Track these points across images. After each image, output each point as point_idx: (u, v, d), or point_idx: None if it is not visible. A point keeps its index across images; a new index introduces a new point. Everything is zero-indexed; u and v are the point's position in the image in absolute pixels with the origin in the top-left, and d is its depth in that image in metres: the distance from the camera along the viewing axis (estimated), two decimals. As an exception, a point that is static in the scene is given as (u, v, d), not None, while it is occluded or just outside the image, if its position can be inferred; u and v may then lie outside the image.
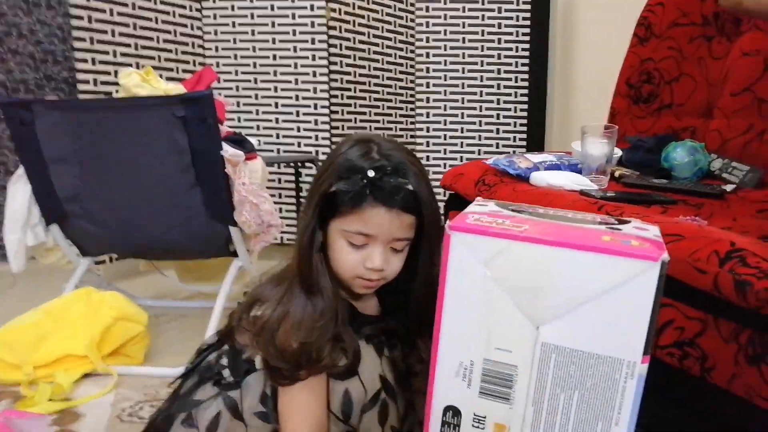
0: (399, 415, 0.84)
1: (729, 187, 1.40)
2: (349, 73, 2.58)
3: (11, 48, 2.50)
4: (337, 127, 2.56)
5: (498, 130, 2.89)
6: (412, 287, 0.84)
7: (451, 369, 0.55)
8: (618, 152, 1.64)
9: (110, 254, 2.14)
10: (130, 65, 2.17)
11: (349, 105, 2.61)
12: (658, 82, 1.85)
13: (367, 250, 0.80)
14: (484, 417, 0.55)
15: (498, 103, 2.87)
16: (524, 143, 2.88)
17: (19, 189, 1.60)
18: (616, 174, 1.57)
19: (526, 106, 2.86)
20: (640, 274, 0.47)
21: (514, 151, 2.82)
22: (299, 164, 2.49)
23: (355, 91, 2.62)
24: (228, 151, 1.50)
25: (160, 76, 1.71)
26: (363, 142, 0.82)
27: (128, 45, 2.20)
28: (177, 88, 1.65)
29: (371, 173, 0.77)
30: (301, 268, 0.81)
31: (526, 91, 2.85)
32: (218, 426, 0.83)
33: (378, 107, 2.73)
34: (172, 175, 1.51)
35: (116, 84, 2.09)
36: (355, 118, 2.64)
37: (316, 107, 2.53)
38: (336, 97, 2.55)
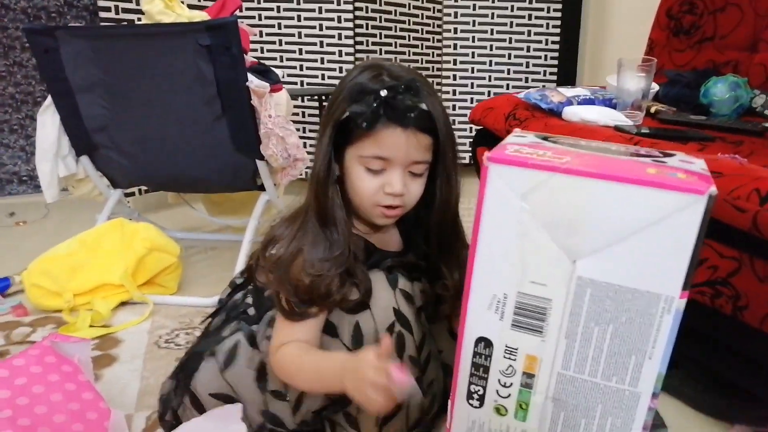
0: (416, 345, 0.84)
1: (771, 125, 1.35)
2: (374, 2, 2.49)
3: (30, -27, 2.45)
4: (361, 59, 2.50)
5: (528, 64, 2.80)
6: (431, 214, 0.84)
7: (483, 301, 0.55)
8: (655, 87, 1.58)
9: (139, 186, 2.16)
10: (151, -8, 2.11)
11: (374, 35, 2.53)
12: (701, 13, 1.76)
13: (385, 175, 0.78)
14: (516, 349, 0.55)
15: (528, 35, 2.76)
16: (554, 78, 2.80)
17: (48, 119, 1.60)
18: (652, 110, 1.52)
19: (557, 39, 2.75)
20: (686, 207, 0.46)
21: (543, 86, 2.74)
22: (323, 97, 2.45)
23: (380, 21, 2.54)
24: (253, 81, 1.47)
25: (182, 2, 1.66)
26: (373, 67, 0.80)
27: (148, -29, 2.14)
28: (201, 15, 1.61)
29: (384, 93, 0.75)
30: (318, 200, 0.80)
31: (558, 23, 2.74)
32: (236, 356, 0.85)
33: (404, 38, 2.65)
34: (197, 106, 1.49)
35: (137, 12, 2.06)
36: (380, 50, 2.57)
37: (340, 37, 2.46)
38: (361, 27, 2.47)
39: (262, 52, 2.53)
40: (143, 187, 2.27)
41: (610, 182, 0.48)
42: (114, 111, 1.56)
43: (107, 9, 2.04)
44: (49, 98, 1.59)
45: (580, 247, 0.50)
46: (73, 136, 1.61)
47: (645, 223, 0.47)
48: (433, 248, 0.86)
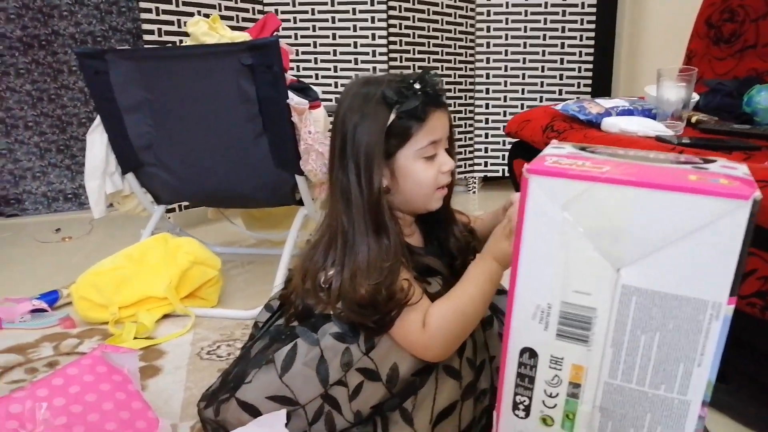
0: (474, 348, 0.87)
1: (819, 133, 1.31)
2: (407, 18, 2.53)
3: (78, 0, 2.56)
4: (396, 72, 2.52)
5: (561, 76, 2.79)
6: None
7: (527, 311, 0.55)
8: (695, 97, 1.56)
9: (182, 202, 2.22)
10: (192, 14, 2.19)
11: (408, 51, 2.56)
12: (742, 20, 1.73)
13: (436, 159, 0.86)
14: (562, 358, 0.55)
15: (562, 47, 2.76)
16: (589, 89, 2.78)
17: (97, 138, 1.67)
18: (693, 119, 1.50)
19: (592, 50, 2.74)
20: (730, 213, 0.46)
21: (578, 98, 2.72)
22: (358, 113, 2.47)
23: (413, 37, 2.57)
24: (293, 99, 1.51)
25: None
26: (369, 81, 0.87)
27: (190, -6, 2.22)
28: (242, 36, 1.66)
29: (418, 85, 0.82)
30: (374, 213, 0.82)
31: (592, 34, 2.72)
32: (294, 359, 0.85)
33: (437, 53, 2.67)
34: (239, 124, 1.53)
35: (180, 34, 2.13)
36: (413, 65, 2.60)
37: (374, 54, 2.50)
38: (394, 43, 2.50)
39: (298, 70, 2.58)
40: (183, 203, 2.32)
41: (651, 190, 0.48)
42: (159, 130, 1.62)
43: (150, 32, 2.12)
44: (98, 118, 1.65)
45: (624, 255, 0.50)
46: (120, 154, 1.66)
47: (689, 230, 0.47)
48: (445, 217, 0.95)
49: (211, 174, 1.63)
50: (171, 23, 2.17)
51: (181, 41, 2.09)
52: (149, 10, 2.10)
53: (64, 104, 2.66)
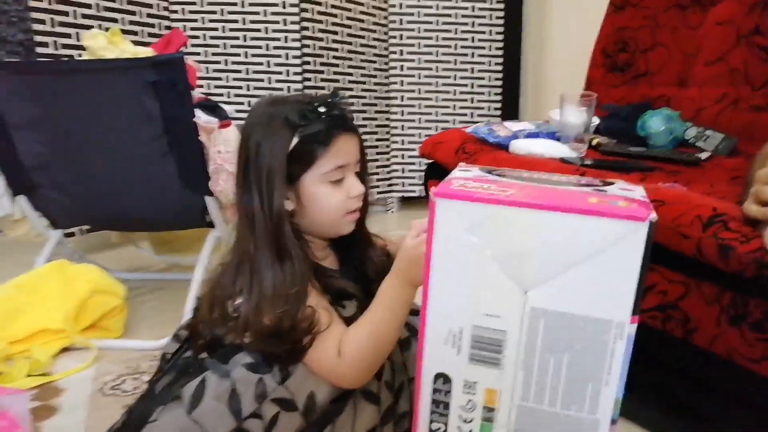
0: (391, 370, 0.87)
1: (704, 155, 1.43)
2: (321, 39, 2.53)
3: (-39, 9, 2.36)
4: (307, 94, 2.51)
5: (473, 99, 2.89)
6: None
7: (440, 337, 0.55)
8: (596, 120, 1.65)
9: (81, 226, 2.08)
10: (92, 27, 2.08)
11: (322, 72, 2.56)
12: (633, 51, 1.87)
13: (344, 183, 0.84)
14: (475, 383, 0.55)
15: (472, 72, 2.86)
16: (499, 112, 2.89)
17: (-19, 158, 1.53)
18: (594, 142, 1.59)
19: (500, 75, 2.86)
20: (629, 234, 0.48)
21: (489, 120, 2.83)
22: (272, 133, 2.44)
23: (327, 58, 2.57)
24: (201, 118, 1.46)
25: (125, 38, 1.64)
26: (276, 101, 0.86)
27: (89, 6, 2.10)
28: (146, 51, 1.59)
29: (323, 108, 0.81)
30: (276, 238, 0.81)
31: (500, 60, 2.85)
32: (203, 393, 0.80)
33: (351, 74, 2.69)
34: (143, 143, 1.45)
35: (78, 48, 2.01)
36: (328, 86, 2.60)
37: (288, 74, 2.48)
38: (308, 63, 2.49)
39: (209, 88, 2.51)
40: (85, 227, 2.18)
41: (553, 213, 0.49)
42: (54, 149, 1.51)
43: (45, 44, 1.98)
44: (-17, 136, 1.52)
45: (531, 277, 0.51)
46: (10, 175, 1.54)
47: (591, 252, 0.49)
48: (359, 239, 0.93)
49: (113, 196, 1.54)
50: (67, 35, 2.04)
51: (79, 54, 1.97)
52: (42, 21, 1.96)
53: (-54, 120, 2.43)
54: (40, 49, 1.98)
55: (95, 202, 1.57)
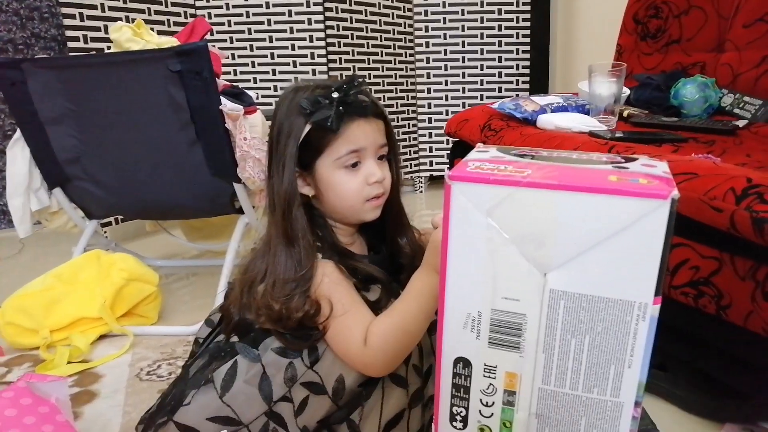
0: (420, 355, 0.86)
1: (741, 123, 1.37)
2: (345, 20, 2.50)
3: (-5, 6, 2.42)
4: (335, 76, 2.50)
5: (500, 74, 2.83)
6: (391, 192, 0.89)
7: (458, 321, 0.54)
8: (626, 91, 1.60)
9: (116, 216, 2.13)
10: (120, 20, 2.10)
11: (347, 53, 2.54)
12: (666, 16, 1.79)
13: (362, 169, 0.83)
14: (495, 366, 0.54)
15: (500, 45, 2.80)
16: (527, 86, 2.83)
17: (18, 152, 1.58)
18: (625, 113, 1.54)
19: (528, 48, 2.79)
20: (650, 213, 0.46)
21: (517, 95, 2.77)
22: (299, 116, 2.44)
23: (352, 38, 2.55)
24: (227, 105, 1.47)
25: (152, 29, 1.65)
26: (299, 88, 0.85)
27: (116, -1, 2.13)
28: (170, 41, 1.60)
29: (336, 94, 0.80)
30: (284, 221, 0.83)
31: (528, 32, 2.77)
32: (236, 374, 0.82)
33: (376, 54, 2.66)
34: (171, 132, 1.48)
35: (107, 41, 2.04)
36: (353, 67, 2.58)
37: (312, 56, 2.47)
38: (333, 45, 2.48)
39: (235, 74, 2.52)
40: (120, 216, 2.24)
41: (571, 193, 0.47)
42: (86, 141, 1.54)
43: (75, 39, 2.02)
44: (18, 131, 1.56)
45: (550, 259, 0.49)
46: (45, 168, 1.58)
47: (611, 232, 0.47)
48: (389, 227, 0.93)
49: (145, 186, 1.57)
50: (97, 29, 2.07)
51: (108, 47, 2.01)
52: (72, 16, 2.00)
53: (-15, 116, 2.52)
54: (71, 44, 2.02)
55: (127, 192, 1.61)
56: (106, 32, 2.07)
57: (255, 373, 0.81)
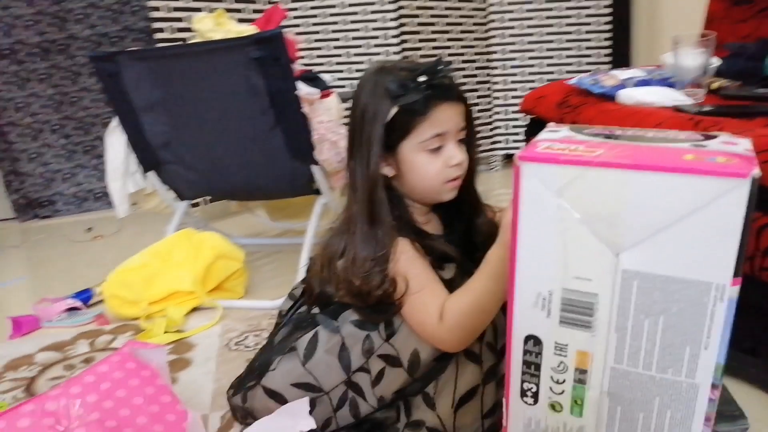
0: (494, 333, 0.87)
1: None
2: (418, -1, 2.50)
3: (91, 2, 2.59)
4: (408, 57, 2.51)
5: (580, 47, 2.72)
6: (468, 174, 0.90)
7: (529, 299, 0.55)
8: (715, 62, 1.51)
9: (204, 197, 2.25)
10: (201, 10, 2.20)
11: (419, 32, 2.54)
12: (763, -21, 1.66)
13: (443, 152, 0.85)
14: (566, 345, 0.55)
15: (579, 18, 2.69)
16: (609, 59, 2.71)
17: (115, 139, 1.70)
18: (714, 86, 1.45)
19: (609, 19, 2.66)
20: (728, 192, 0.45)
21: (598, 69, 2.66)
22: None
23: (424, 17, 2.54)
24: (302, 89, 1.51)
25: (232, 18, 1.72)
26: (383, 69, 0.86)
27: (199, -11, 2.23)
28: (249, 29, 1.66)
29: (423, 77, 0.81)
30: (370, 203, 0.85)
31: (609, 2, 2.65)
32: (316, 346, 0.87)
33: (449, 32, 2.64)
34: (252, 117, 1.54)
35: (191, 31, 2.14)
36: (427, 45, 2.57)
37: (386, 37, 2.48)
38: (405, 25, 2.48)
39: (311, 58, 2.58)
40: (207, 197, 2.36)
41: (644, 172, 0.47)
42: (175, 127, 1.64)
43: (161, 30, 2.13)
44: (115, 120, 1.68)
45: (622, 239, 0.49)
46: (140, 153, 1.70)
47: (686, 212, 0.46)
48: (464, 207, 0.94)
49: (229, 168, 1.65)
50: (180, 20, 2.18)
51: (192, 38, 2.11)
52: (157, 8, 2.11)
53: (86, 106, 2.71)
54: (157, 35, 2.14)
55: (214, 175, 1.70)
56: (190, 22, 2.17)
57: (335, 344, 0.86)
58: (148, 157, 1.70)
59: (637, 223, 0.49)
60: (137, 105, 1.62)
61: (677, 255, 0.48)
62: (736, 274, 0.47)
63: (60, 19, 2.58)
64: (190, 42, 1.75)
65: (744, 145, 0.51)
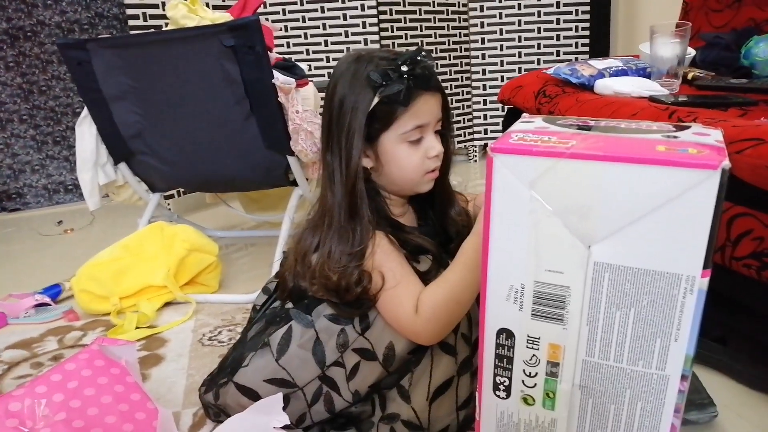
0: (468, 324, 0.87)
1: (819, 83, 1.28)
2: (396, -13, 2.47)
3: (61, -12, 2.52)
4: (387, 45, 2.48)
5: (558, 37, 2.72)
6: (443, 165, 0.89)
7: (501, 293, 0.55)
8: (691, 52, 1.51)
9: (177, 189, 2.22)
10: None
11: (399, 20, 2.51)
12: (738, -32, 1.67)
13: (423, 144, 0.84)
14: (538, 338, 0.55)
15: (558, 7, 2.69)
16: (587, 49, 2.71)
17: (86, 129, 1.66)
18: (689, 76, 1.46)
19: (588, 8, 2.66)
20: (699, 184, 0.44)
21: (576, 59, 2.67)
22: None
23: (403, 5, 2.51)
24: (279, 78, 1.48)
25: (207, 5, 1.68)
26: (361, 58, 0.84)
27: (172, -24, 2.17)
28: (224, 16, 1.63)
29: (405, 67, 0.80)
30: (351, 197, 0.83)
31: (587, -9, 2.65)
32: (290, 339, 0.86)
33: (429, 20, 2.62)
34: (227, 107, 1.51)
35: (165, 18, 2.09)
36: (406, 34, 2.55)
37: (364, 25, 2.45)
38: (384, 13, 2.45)
39: (288, 46, 2.54)
40: (181, 189, 2.32)
41: (615, 164, 0.46)
42: (147, 117, 1.60)
43: (135, 17, 2.08)
44: (86, 109, 1.64)
45: (594, 231, 0.49)
46: (110, 144, 1.66)
47: (658, 203, 0.46)
48: (438, 198, 0.94)
49: (203, 159, 1.62)
50: (155, 6, 2.13)
51: (166, 24, 2.06)
52: (131, -6, 2.06)
53: (56, 95, 2.65)
54: (131, 22, 2.09)
55: (187, 166, 1.66)
56: (164, 9, 2.12)
57: (309, 338, 0.84)
58: (119, 148, 1.66)
59: (608, 215, 0.48)
60: (108, 94, 1.58)
61: (648, 247, 0.48)
62: (705, 266, 0.46)
63: (28, 5, 2.50)
64: (163, 29, 1.70)
65: (715, 136, 0.50)
